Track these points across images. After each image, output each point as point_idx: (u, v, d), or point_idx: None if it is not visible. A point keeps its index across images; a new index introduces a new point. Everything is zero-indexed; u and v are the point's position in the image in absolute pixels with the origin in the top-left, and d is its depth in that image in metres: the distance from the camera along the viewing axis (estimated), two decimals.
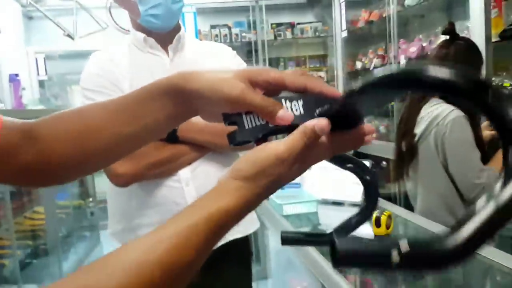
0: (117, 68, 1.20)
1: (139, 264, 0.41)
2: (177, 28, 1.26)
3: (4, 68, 3.63)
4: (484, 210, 0.28)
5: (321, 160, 0.49)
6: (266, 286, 2.82)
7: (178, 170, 1.20)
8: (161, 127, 0.57)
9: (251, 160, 0.46)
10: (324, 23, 3.73)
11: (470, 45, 1.64)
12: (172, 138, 1.16)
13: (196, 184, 1.20)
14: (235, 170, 0.46)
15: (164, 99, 0.53)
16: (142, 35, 1.23)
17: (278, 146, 0.45)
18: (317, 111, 0.47)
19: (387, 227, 1.37)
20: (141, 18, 1.19)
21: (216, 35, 3.61)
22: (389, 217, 1.37)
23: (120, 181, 1.14)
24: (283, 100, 0.47)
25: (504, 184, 0.29)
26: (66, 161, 0.60)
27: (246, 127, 0.47)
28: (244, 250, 1.40)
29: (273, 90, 0.49)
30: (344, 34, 3.49)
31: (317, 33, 3.71)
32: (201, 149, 1.22)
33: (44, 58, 4.83)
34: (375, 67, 3.24)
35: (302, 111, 0.47)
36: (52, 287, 0.39)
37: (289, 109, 0.47)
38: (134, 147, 0.61)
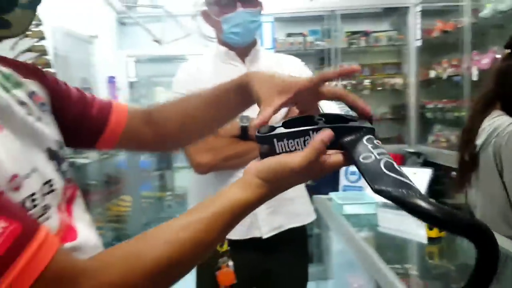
0: (203, 75, 1.41)
1: (174, 239, 0.52)
2: (253, 43, 1.45)
3: (102, 70, 4.02)
4: None
5: (328, 171, 0.57)
6: (327, 287, 2.90)
7: (249, 163, 1.39)
8: (232, 113, 0.83)
9: (273, 167, 0.56)
10: (399, 31, 3.75)
11: None
12: (245, 136, 1.35)
13: None
14: (259, 170, 0.57)
15: (235, 91, 0.76)
16: (224, 49, 1.43)
17: (294, 160, 0.54)
18: (341, 140, 0.56)
19: (440, 230, 1.45)
20: (223, 34, 1.39)
21: (291, 43, 3.76)
22: None
23: (201, 169, 1.36)
24: (311, 132, 0.55)
25: None
26: (173, 137, 0.85)
27: (278, 151, 0.55)
28: (301, 238, 1.55)
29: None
30: (419, 43, 3.50)
31: (391, 42, 3.74)
32: None
33: (134, 61, 5.27)
34: (449, 77, 3.23)
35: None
36: (109, 250, 0.52)
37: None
38: (214, 128, 0.89)
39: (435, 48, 3.51)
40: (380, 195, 0.49)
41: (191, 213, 0.56)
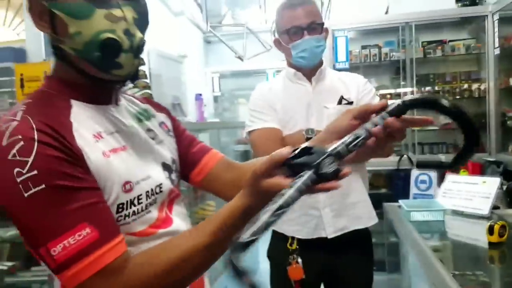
0: (274, 95, 1.62)
1: (190, 246, 0.70)
2: (319, 64, 1.63)
3: (190, 87, 4.39)
4: None
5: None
6: (398, 277, 2.89)
7: None
8: None
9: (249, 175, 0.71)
10: (477, 40, 3.69)
11: None
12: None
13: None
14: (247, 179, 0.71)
15: None
16: (293, 70, 1.64)
17: (256, 164, 0.70)
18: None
19: (501, 235, 1.51)
20: (292, 59, 1.60)
21: (366, 55, 3.86)
22: (503, 226, 1.51)
23: None
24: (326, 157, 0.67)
25: None
26: None
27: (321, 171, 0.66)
28: (365, 239, 1.69)
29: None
30: (497, 51, 3.43)
31: (469, 50, 3.69)
32: None
33: (218, 77, 5.64)
34: None
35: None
36: (153, 250, 0.71)
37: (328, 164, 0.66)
38: None
39: None
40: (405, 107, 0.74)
41: (203, 224, 0.73)
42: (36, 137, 0.64)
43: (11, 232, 2.64)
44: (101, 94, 0.80)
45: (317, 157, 0.65)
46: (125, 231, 0.73)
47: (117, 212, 0.72)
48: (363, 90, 1.64)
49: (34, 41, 5.11)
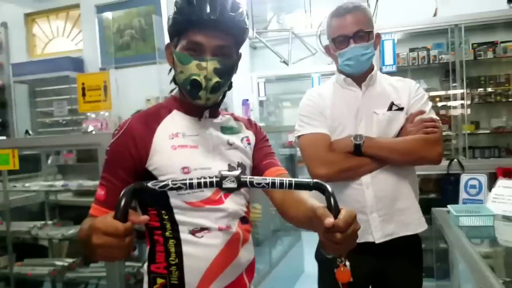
0: (323, 100, 1.66)
1: None
2: (370, 69, 1.65)
3: (237, 92, 4.49)
4: None
5: None
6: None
7: (361, 176, 1.59)
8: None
9: None
10: None
11: None
12: (358, 151, 1.56)
13: (375, 188, 1.57)
14: None
15: None
16: (342, 76, 1.67)
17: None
18: None
19: None
20: (340, 66, 1.64)
21: (414, 58, 3.82)
22: None
23: (320, 180, 1.58)
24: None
25: None
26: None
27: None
28: (415, 245, 1.68)
29: None
30: None
31: None
32: (381, 161, 1.58)
33: (264, 82, 5.73)
34: None
35: None
36: None
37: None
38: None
39: None
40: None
41: None
42: (124, 128, 1.10)
43: (72, 230, 2.83)
44: (195, 109, 1.15)
45: None
46: (182, 199, 1.08)
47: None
48: (415, 96, 1.64)
49: (91, 51, 5.43)
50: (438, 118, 1.62)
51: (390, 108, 1.61)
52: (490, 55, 3.65)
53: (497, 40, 3.69)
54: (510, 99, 3.68)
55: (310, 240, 0.70)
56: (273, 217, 4.10)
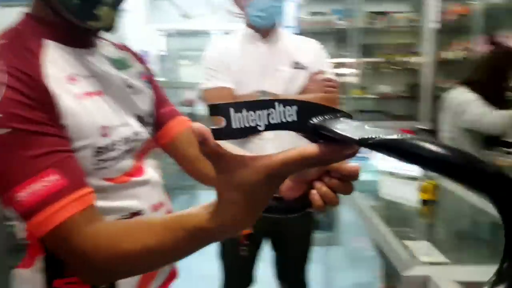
0: (230, 53, 1.63)
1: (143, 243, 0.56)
2: (276, 25, 1.66)
3: (133, 44, 4.21)
4: None
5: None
6: (336, 252, 3.11)
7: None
8: None
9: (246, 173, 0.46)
10: (417, 13, 3.87)
11: (503, 53, 2.10)
12: None
13: (275, 143, 1.61)
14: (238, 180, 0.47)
15: None
16: (250, 31, 1.65)
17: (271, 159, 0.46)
18: (312, 120, 0.45)
19: (432, 193, 1.67)
20: (249, 17, 1.61)
21: (315, 22, 3.92)
22: (434, 185, 1.67)
23: None
24: (276, 104, 0.44)
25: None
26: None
27: (234, 126, 0.43)
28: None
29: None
30: (435, 25, 3.63)
31: (409, 23, 3.87)
32: None
33: (164, 35, 5.48)
34: (464, 59, 3.38)
35: (295, 118, 0.44)
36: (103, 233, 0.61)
37: (282, 113, 0.44)
38: None
39: (450, 31, 3.64)
40: (368, 146, 0.37)
41: (166, 224, 0.55)
42: (6, 81, 0.63)
43: None
44: (77, 37, 0.78)
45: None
46: (102, 176, 0.75)
47: (96, 155, 0.72)
48: (318, 56, 1.69)
49: None
50: (336, 78, 1.70)
51: (293, 66, 1.64)
52: (382, 24, 3.89)
53: (390, 10, 3.93)
54: (396, 67, 3.98)
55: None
56: (167, 175, 4.04)
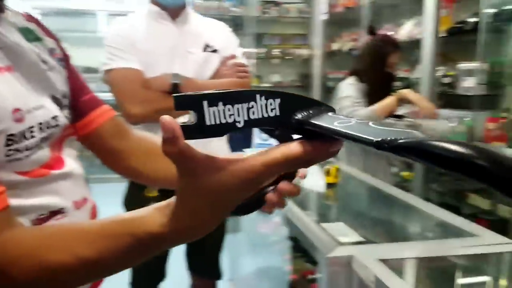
0: (135, 32, 1.51)
1: (74, 253, 0.46)
2: (184, 5, 1.57)
3: None
4: None
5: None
6: (238, 238, 3.15)
7: (178, 117, 1.53)
8: None
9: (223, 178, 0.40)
10: (308, 4, 4.03)
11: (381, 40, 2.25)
12: (175, 91, 1.48)
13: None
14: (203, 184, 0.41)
15: None
16: (156, 8, 1.54)
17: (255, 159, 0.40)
18: (296, 116, 0.40)
19: (335, 177, 1.75)
20: None
21: (208, 7, 3.87)
22: (337, 169, 1.76)
23: (133, 120, 1.44)
24: (257, 96, 0.38)
25: None
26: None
27: (208, 122, 0.37)
28: None
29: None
30: (324, 16, 3.82)
31: (301, 14, 4.02)
32: None
33: (40, 14, 4.97)
34: (350, 50, 3.60)
35: (278, 112, 0.39)
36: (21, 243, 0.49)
37: (264, 107, 0.39)
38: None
39: (338, 23, 3.85)
40: (385, 149, 0.32)
41: (103, 228, 0.47)
42: None
43: None
44: None
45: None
46: (15, 169, 0.62)
47: (7, 145, 0.59)
48: (229, 40, 1.65)
49: None
50: (248, 63, 1.68)
51: (204, 49, 1.58)
52: (274, 13, 3.98)
53: (282, 0, 4.03)
54: (289, 57, 4.12)
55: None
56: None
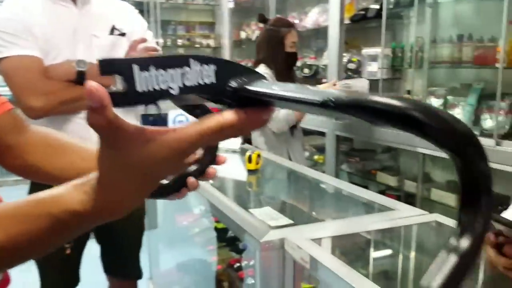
0: (30, 15, 1.34)
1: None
2: None
3: None
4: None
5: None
6: (156, 235, 3.04)
7: (84, 109, 1.40)
8: None
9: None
10: None
11: (273, 24, 2.28)
12: (81, 80, 1.35)
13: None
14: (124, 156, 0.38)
15: None
16: None
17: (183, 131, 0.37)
18: (231, 83, 0.37)
19: (257, 163, 1.74)
20: None
21: None
22: (258, 155, 1.75)
23: (34, 114, 1.30)
24: (191, 60, 0.35)
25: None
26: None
27: (139, 89, 0.33)
28: None
29: None
30: (231, 5, 3.79)
31: (206, 1, 3.95)
32: None
33: None
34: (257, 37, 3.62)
35: (214, 79, 0.37)
36: None
37: (199, 73, 0.36)
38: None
39: (245, 11, 3.85)
40: (331, 107, 0.31)
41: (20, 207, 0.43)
42: None
43: None
44: None
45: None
46: None
47: None
48: (137, 22, 1.55)
49: None
50: (159, 47, 1.60)
51: (111, 32, 1.47)
52: (180, 0, 3.86)
53: None
54: (196, 46, 4.03)
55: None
56: None
